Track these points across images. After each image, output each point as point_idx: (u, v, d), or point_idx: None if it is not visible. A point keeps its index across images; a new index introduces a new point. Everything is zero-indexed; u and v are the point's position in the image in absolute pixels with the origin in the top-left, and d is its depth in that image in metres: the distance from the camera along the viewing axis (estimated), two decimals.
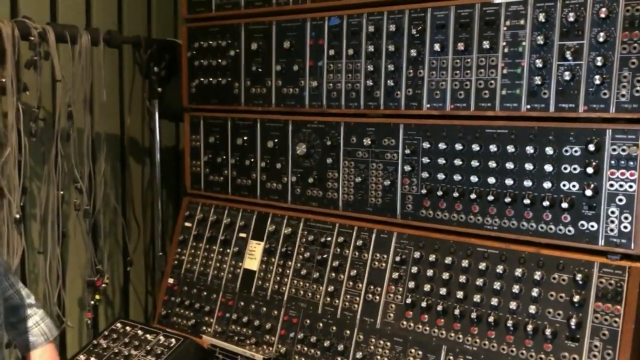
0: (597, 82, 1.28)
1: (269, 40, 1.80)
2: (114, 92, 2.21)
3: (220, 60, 1.91)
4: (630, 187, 1.26)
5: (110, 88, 2.16)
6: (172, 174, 2.37)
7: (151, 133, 2.18)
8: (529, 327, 1.33)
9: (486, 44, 1.41)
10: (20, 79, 1.85)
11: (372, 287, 1.60)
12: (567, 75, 1.31)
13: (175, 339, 1.78)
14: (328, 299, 1.67)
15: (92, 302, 2.11)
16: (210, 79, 1.94)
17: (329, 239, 1.71)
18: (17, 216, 1.85)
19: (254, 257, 1.85)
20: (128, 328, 1.86)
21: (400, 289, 1.55)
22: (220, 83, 1.92)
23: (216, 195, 1.99)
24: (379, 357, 1.54)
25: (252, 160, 1.88)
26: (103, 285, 2.12)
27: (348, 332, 1.61)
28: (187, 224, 2.03)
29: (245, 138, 1.89)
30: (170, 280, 2.01)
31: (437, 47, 1.48)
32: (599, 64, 1.27)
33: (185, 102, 2.03)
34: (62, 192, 1.99)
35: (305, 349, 1.67)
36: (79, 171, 2.02)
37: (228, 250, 1.91)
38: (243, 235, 1.89)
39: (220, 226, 1.94)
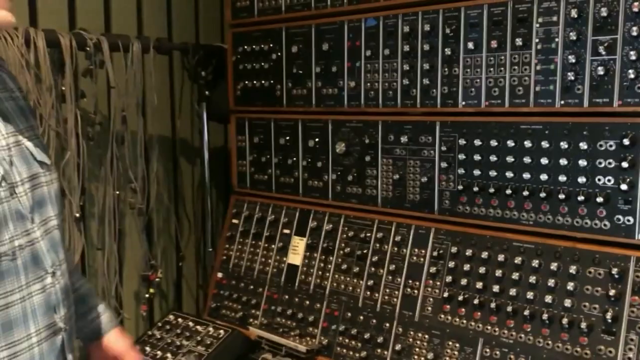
0: (631, 76, 1.28)
1: (308, 42, 1.86)
2: (165, 96, 2.33)
3: (263, 64, 1.99)
4: None
5: (161, 93, 2.27)
6: (220, 173, 2.46)
7: (200, 135, 2.28)
8: (565, 321, 1.35)
9: (519, 41, 1.43)
10: (77, 87, 1.98)
11: (410, 281, 1.64)
12: (600, 70, 1.32)
13: (224, 330, 1.87)
14: (368, 292, 1.72)
15: (147, 296, 2.23)
16: (254, 82, 2.02)
17: (368, 234, 1.76)
18: (77, 215, 1.98)
19: (297, 253, 1.92)
20: (180, 320, 1.97)
21: (438, 283, 1.59)
22: (263, 85, 2.00)
23: (261, 193, 2.07)
24: (417, 349, 1.58)
25: (294, 159, 1.95)
26: (157, 279, 2.24)
27: (387, 324, 1.65)
28: (235, 221, 2.12)
29: (288, 138, 1.96)
30: (219, 275, 2.11)
31: (470, 45, 1.51)
32: (633, 58, 1.27)
33: (232, 105, 2.12)
34: (118, 192, 2.12)
35: (347, 340, 1.72)
36: (134, 172, 2.14)
37: (273, 246, 1.98)
38: (287, 231, 1.96)
39: (265, 223, 2.02)
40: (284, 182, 2.00)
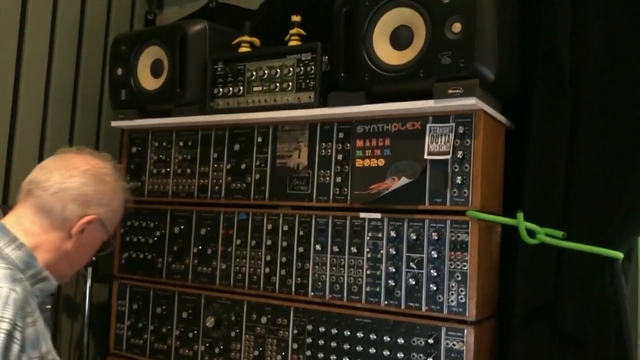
0: (433, 288, 1.64)
1: (189, 225, 2.13)
2: None
3: (148, 238, 2.23)
4: None
5: None
6: (101, 333, 2.57)
7: (83, 295, 2.42)
8: None
9: (354, 249, 1.77)
10: None
11: None
12: (412, 280, 1.67)
13: None
14: None
15: None
16: (139, 253, 2.25)
17: None
18: None
19: None
20: None
21: None
22: (146, 257, 2.22)
23: (136, 357, 2.21)
24: None
25: (169, 327, 2.14)
26: None
27: None
28: None
29: (164, 307, 2.16)
30: None
31: (318, 247, 1.84)
32: (434, 274, 1.64)
33: (116, 271, 2.31)
34: None
35: None
36: None
37: None
38: None
39: None
40: (157, 349, 2.16)
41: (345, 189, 1.81)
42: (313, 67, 1.84)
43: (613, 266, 1.58)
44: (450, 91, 1.56)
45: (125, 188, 1.55)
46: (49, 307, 1.43)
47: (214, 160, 2.10)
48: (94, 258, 2.38)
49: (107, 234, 1.50)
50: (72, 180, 1.41)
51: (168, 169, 2.20)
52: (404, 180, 1.65)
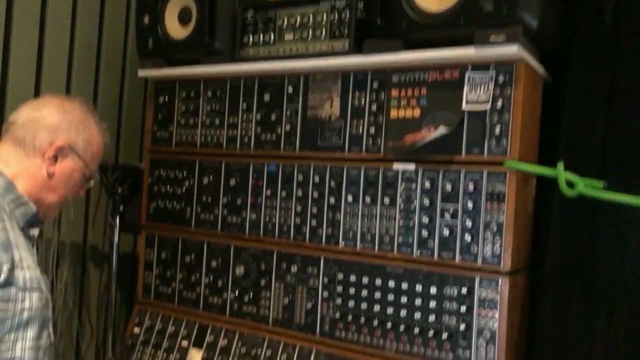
0: (468, 239, 1.64)
1: (218, 176, 2.13)
2: (81, 207, 2.49)
3: (176, 189, 2.23)
4: (493, 323, 1.59)
5: (78, 204, 2.44)
6: (127, 282, 2.61)
7: (111, 244, 2.45)
8: None
9: (387, 200, 1.77)
10: None
11: None
12: (446, 231, 1.67)
13: None
14: None
15: None
16: (167, 203, 2.25)
17: (259, 350, 1.98)
18: None
19: None
20: None
21: None
22: (174, 207, 2.23)
23: (164, 305, 2.24)
24: None
25: (198, 276, 2.16)
26: None
27: None
28: (136, 330, 2.26)
29: (193, 256, 2.18)
30: None
31: (350, 198, 1.84)
32: (469, 225, 1.63)
33: (143, 221, 2.33)
34: None
35: None
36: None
37: (171, 357, 2.14)
38: (185, 343, 2.14)
39: (165, 334, 2.19)
40: (185, 297, 2.19)
41: (379, 140, 1.79)
42: (347, 13, 1.80)
43: None
44: (493, 38, 1.52)
45: (99, 124, 1.63)
46: (35, 233, 1.51)
47: (243, 111, 2.08)
48: (121, 207, 2.40)
49: (85, 166, 1.57)
50: (39, 112, 1.53)
51: (196, 120, 2.19)
52: (441, 130, 1.63)
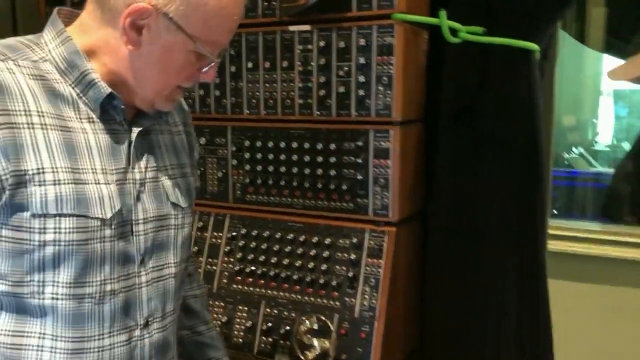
0: (362, 94, 1.70)
1: None
2: None
3: None
4: (387, 171, 1.70)
5: None
6: None
7: None
8: (322, 281, 1.75)
9: (285, 64, 1.80)
10: None
11: (210, 259, 1.96)
12: (342, 88, 1.73)
13: None
14: None
15: None
16: None
17: None
18: None
19: None
20: None
21: (232, 260, 1.92)
22: None
23: None
24: (215, 315, 1.91)
25: None
26: None
27: None
28: None
29: None
30: None
31: (250, 64, 1.85)
32: (363, 80, 1.70)
33: None
34: None
35: None
36: None
37: None
38: None
39: None
40: None
41: (274, 2, 1.79)
42: None
43: (529, 58, 1.66)
44: None
45: None
46: (116, 123, 1.04)
47: None
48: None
49: (191, 41, 0.99)
50: None
51: None
52: None
